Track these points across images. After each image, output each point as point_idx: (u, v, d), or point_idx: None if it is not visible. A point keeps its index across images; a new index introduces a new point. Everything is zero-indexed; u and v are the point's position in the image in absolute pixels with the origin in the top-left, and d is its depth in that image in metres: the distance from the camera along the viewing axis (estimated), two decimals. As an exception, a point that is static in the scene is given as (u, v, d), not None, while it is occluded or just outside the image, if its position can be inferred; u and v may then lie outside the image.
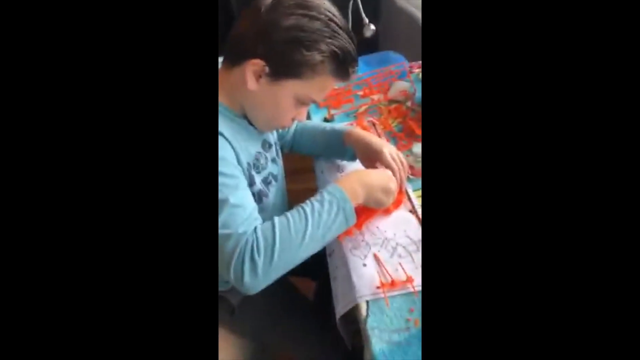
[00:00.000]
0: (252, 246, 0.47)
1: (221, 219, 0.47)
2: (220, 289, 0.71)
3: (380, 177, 0.58)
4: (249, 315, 0.70)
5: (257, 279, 0.47)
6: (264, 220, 0.52)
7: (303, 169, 0.96)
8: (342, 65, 0.53)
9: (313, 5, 0.49)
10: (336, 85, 0.59)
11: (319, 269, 0.67)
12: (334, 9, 0.51)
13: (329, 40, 0.50)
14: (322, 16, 0.49)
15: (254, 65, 0.51)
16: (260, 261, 0.46)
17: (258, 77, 0.52)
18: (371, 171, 0.60)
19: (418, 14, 1.49)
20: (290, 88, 0.53)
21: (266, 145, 0.65)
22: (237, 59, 0.53)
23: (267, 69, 0.51)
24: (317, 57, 0.50)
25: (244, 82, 0.52)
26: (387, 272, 0.53)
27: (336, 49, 0.50)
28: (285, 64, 0.51)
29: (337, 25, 0.50)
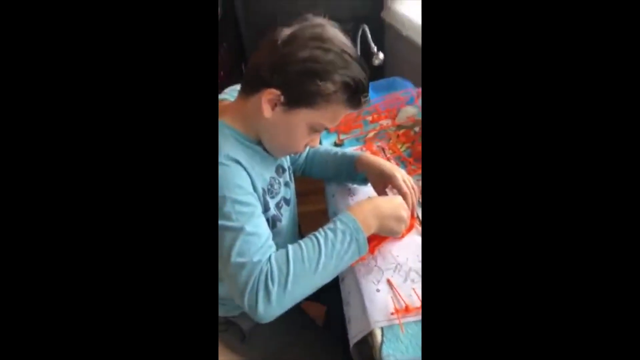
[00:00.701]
0: (267, 275, 0.47)
1: (236, 247, 0.48)
2: (230, 314, 0.71)
3: (392, 205, 0.59)
4: (260, 341, 0.69)
5: (270, 307, 0.47)
6: (277, 244, 0.52)
7: (313, 191, 0.97)
8: (355, 95, 0.54)
9: (327, 38, 0.52)
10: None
11: (328, 294, 0.67)
12: (346, 41, 0.54)
13: (342, 71, 0.52)
14: (336, 48, 0.51)
15: (270, 94, 0.53)
16: (274, 290, 0.47)
17: (273, 105, 0.54)
18: (383, 199, 0.61)
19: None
20: (304, 116, 0.55)
21: (280, 170, 0.67)
22: (253, 88, 0.55)
23: (282, 98, 0.53)
24: (331, 87, 0.52)
25: (260, 110, 0.54)
26: (400, 297, 0.53)
27: (349, 80, 0.52)
28: (300, 93, 0.53)
29: (350, 56, 0.53)
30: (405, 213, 0.59)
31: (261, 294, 0.46)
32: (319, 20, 0.54)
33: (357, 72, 0.53)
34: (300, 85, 0.52)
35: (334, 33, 0.53)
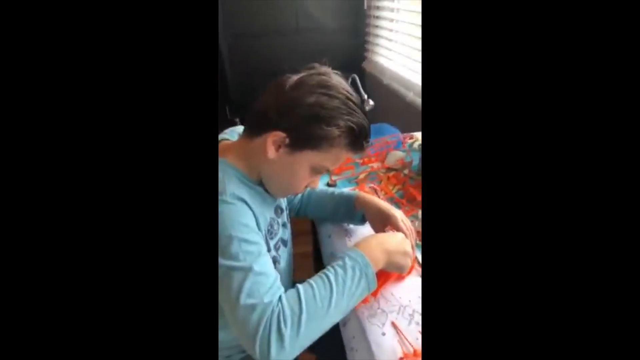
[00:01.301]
0: (279, 317, 0.45)
1: (246, 288, 0.46)
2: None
3: (397, 241, 0.59)
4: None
5: (284, 351, 0.44)
6: None
7: (298, 233, 0.96)
8: (358, 140, 0.57)
9: (332, 85, 0.54)
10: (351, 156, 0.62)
11: (317, 341, 0.64)
12: (350, 88, 0.57)
13: (347, 117, 0.54)
14: (340, 95, 0.54)
15: (276, 136, 0.54)
16: (287, 332, 0.44)
17: (278, 147, 0.55)
18: (387, 235, 0.61)
19: (403, 90, 1.63)
20: (308, 158, 0.56)
21: (278, 210, 0.66)
22: (258, 130, 0.56)
23: (287, 140, 0.54)
24: (336, 131, 0.54)
25: (264, 151, 0.55)
26: (407, 341, 0.52)
27: (353, 125, 0.55)
28: (306, 137, 0.54)
29: (354, 103, 0.55)
30: (409, 248, 0.59)
31: (274, 337, 0.44)
32: (324, 68, 0.57)
33: (360, 118, 0.56)
34: (306, 129, 0.54)
35: (339, 81, 0.56)
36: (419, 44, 1.56)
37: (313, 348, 0.83)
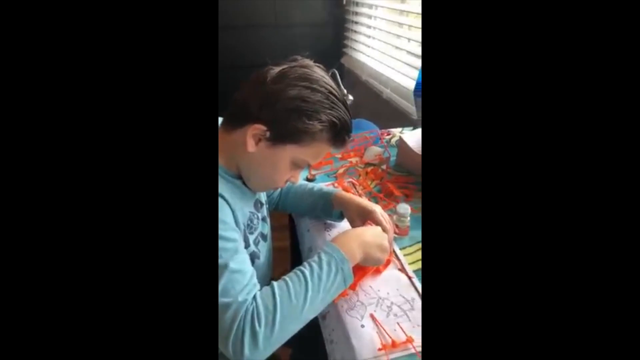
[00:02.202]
0: (252, 315, 0.45)
1: (220, 286, 0.45)
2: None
3: (374, 234, 0.60)
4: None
5: (257, 351, 0.44)
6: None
7: (276, 228, 0.96)
8: (340, 134, 0.57)
9: (314, 78, 0.54)
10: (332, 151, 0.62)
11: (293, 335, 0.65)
12: (332, 83, 0.56)
13: (329, 111, 0.54)
14: (323, 89, 0.54)
15: (256, 129, 0.53)
16: (261, 331, 0.44)
17: (258, 140, 0.54)
18: (365, 229, 0.62)
19: (379, 86, 1.65)
20: (289, 152, 0.56)
21: (258, 205, 0.66)
22: (238, 122, 0.55)
23: (268, 133, 0.53)
24: (317, 125, 0.53)
25: (244, 144, 0.54)
26: (386, 332, 0.53)
27: (335, 119, 0.55)
28: (287, 130, 0.54)
29: (336, 97, 0.55)
30: (386, 242, 0.60)
31: (247, 336, 0.44)
32: (307, 61, 0.56)
33: (342, 112, 0.56)
34: (287, 122, 0.53)
35: (321, 74, 0.55)
36: (396, 41, 1.58)
37: (289, 342, 0.84)
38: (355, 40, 1.99)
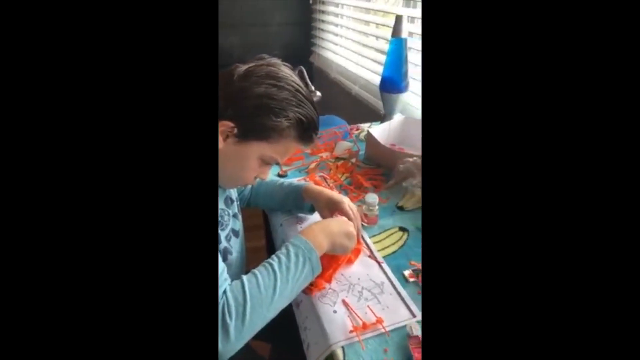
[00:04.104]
0: (224, 309, 0.46)
1: None
2: None
3: (339, 223, 0.62)
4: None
5: (229, 343, 0.45)
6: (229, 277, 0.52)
7: (250, 228, 0.97)
8: (307, 131, 0.58)
9: (281, 76, 0.56)
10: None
11: (272, 332, 0.66)
12: (299, 81, 0.58)
13: (296, 109, 0.55)
14: (290, 87, 0.55)
15: (223, 126, 0.54)
16: (232, 324, 0.45)
17: (225, 137, 0.55)
18: (330, 219, 0.64)
19: (349, 83, 1.68)
20: (256, 149, 0.57)
21: (228, 201, 0.67)
22: None
23: (235, 130, 0.55)
24: (285, 123, 0.55)
25: None
26: (357, 315, 0.55)
27: (302, 117, 0.56)
28: (254, 127, 0.55)
29: (303, 95, 0.57)
30: (352, 229, 0.62)
31: (219, 329, 0.45)
32: (274, 60, 0.58)
33: (309, 110, 0.57)
34: (254, 119, 0.54)
35: (288, 72, 0.57)
36: (363, 39, 1.62)
37: (268, 339, 0.85)
38: (324, 39, 2.01)
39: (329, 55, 1.95)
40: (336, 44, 1.87)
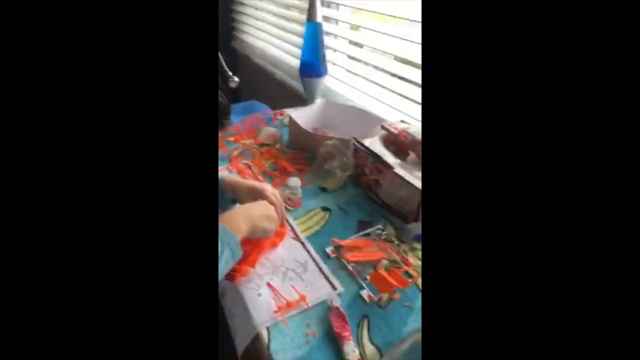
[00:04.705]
0: None
1: None
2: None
3: (259, 206, 0.63)
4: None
5: None
6: None
7: None
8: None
9: None
10: None
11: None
12: None
13: None
14: None
15: None
16: None
17: None
18: (250, 204, 0.64)
19: (271, 68, 1.66)
20: None
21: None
22: None
23: None
24: None
25: None
26: (281, 296, 0.57)
27: None
28: None
29: None
30: (273, 212, 0.63)
31: None
32: None
33: (219, 96, 0.56)
34: None
35: None
36: (286, 24, 1.60)
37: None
38: (246, 23, 1.96)
39: (250, 39, 1.90)
40: (257, 29, 1.83)
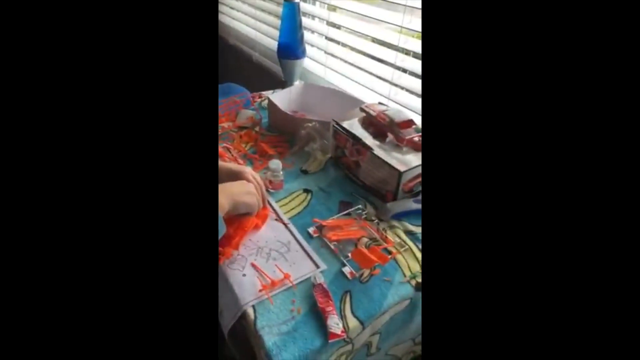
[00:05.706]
0: None
1: None
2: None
3: (239, 184, 0.63)
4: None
5: None
6: None
7: None
8: None
9: None
10: None
11: None
12: None
13: None
14: None
15: None
16: None
17: None
18: (229, 183, 0.64)
19: (248, 50, 1.63)
20: None
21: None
22: None
23: None
24: None
25: None
26: (266, 275, 0.58)
27: None
28: None
29: None
30: (252, 189, 0.64)
31: None
32: None
33: None
34: None
35: None
36: (262, 4, 1.56)
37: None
38: (221, 3, 1.89)
39: (227, 21, 1.84)
40: (233, 8, 1.78)
